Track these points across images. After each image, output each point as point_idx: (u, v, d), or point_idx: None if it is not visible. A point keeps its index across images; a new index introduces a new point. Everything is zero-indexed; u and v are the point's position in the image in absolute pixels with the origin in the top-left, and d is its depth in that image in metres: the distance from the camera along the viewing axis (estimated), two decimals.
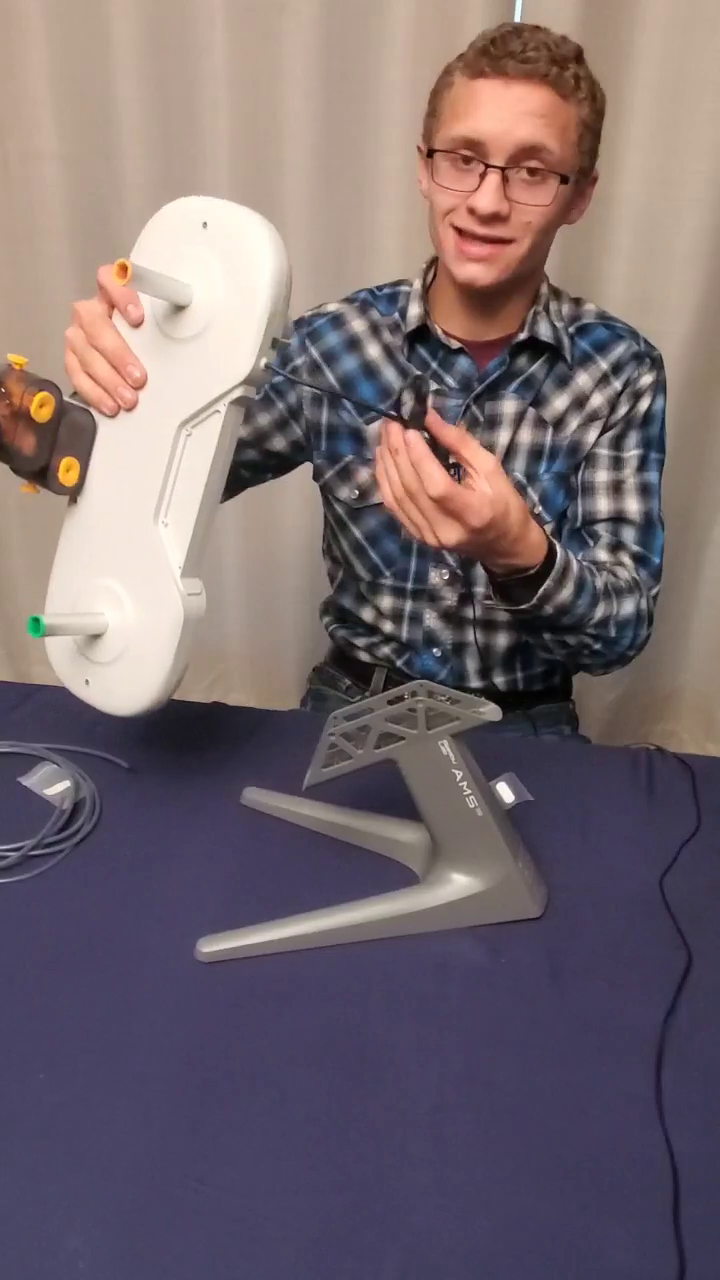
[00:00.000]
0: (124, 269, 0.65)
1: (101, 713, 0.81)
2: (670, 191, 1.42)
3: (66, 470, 0.76)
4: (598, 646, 0.96)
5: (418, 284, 1.03)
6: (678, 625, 1.74)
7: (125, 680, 0.77)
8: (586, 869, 0.80)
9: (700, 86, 1.35)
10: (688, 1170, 0.56)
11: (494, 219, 0.88)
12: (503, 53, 0.84)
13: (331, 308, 1.07)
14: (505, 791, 0.86)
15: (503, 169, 0.86)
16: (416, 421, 0.75)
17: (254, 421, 1.06)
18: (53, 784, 0.84)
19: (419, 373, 1.01)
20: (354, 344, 1.05)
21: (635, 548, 1.02)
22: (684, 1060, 0.63)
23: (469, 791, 0.70)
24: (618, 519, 1.03)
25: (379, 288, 1.08)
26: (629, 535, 1.02)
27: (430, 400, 0.93)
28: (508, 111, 0.85)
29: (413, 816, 0.73)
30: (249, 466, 1.10)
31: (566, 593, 0.88)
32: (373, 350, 1.04)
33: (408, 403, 0.74)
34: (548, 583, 0.85)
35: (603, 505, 1.03)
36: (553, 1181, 0.55)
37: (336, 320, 1.06)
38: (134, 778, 0.87)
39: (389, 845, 0.79)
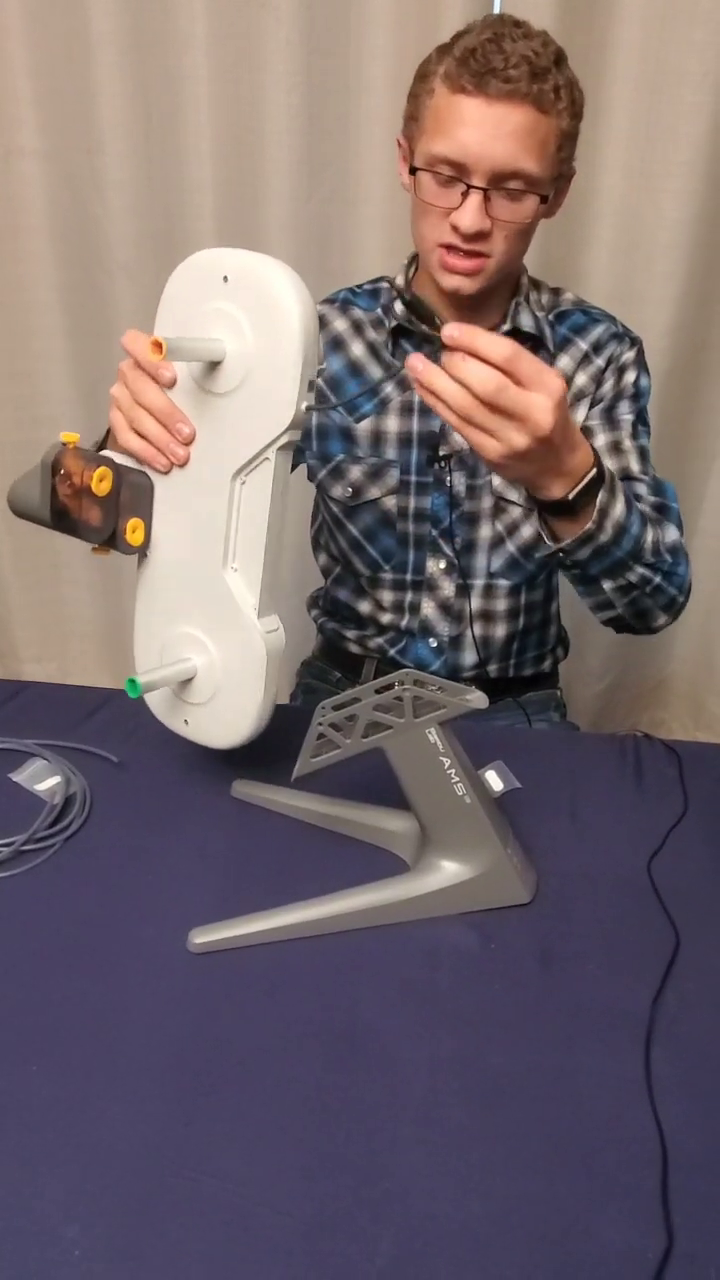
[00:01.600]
0: (159, 346, 0.65)
1: (91, 708, 0.81)
2: (651, 183, 1.42)
3: (133, 531, 0.78)
4: (658, 580, 0.90)
5: (400, 279, 1.04)
6: None
7: (221, 717, 0.78)
8: (575, 854, 0.80)
9: (679, 78, 1.35)
10: (676, 1148, 0.57)
11: (476, 236, 0.89)
12: (484, 68, 0.83)
13: None
14: (494, 779, 0.87)
15: (484, 189, 0.87)
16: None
17: None
18: (43, 779, 0.84)
19: (399, 366, 1.01)
20: (338, 344, 1.06)
21: (652, 498, 0.97)
22: (672, 1040, 0.64)
23: (457, 779, 0.70)
24: (625, 478, 0.99)
25: (359, 286, 1.09)
26: (641, 489, 0.98)
27: (417, 394, 0.92)
28: (489, 133, 0.85)
29: (402, 805, 0.74)
30: None
31: (620, 506, 0.81)
32: (356, 349, 1.05)
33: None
34: (602, 494, 0.79)
35: (606, 463, 0.99)
36: (544, 1162, 0.56)
37: (320, 322, 1.05)
38: (124, 772, 0.87)
39: (379, 834, 0.80)
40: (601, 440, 1.01)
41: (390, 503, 1.06)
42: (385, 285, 1.06)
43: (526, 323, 1.00)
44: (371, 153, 1.43)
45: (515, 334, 1.00)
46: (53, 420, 1.67)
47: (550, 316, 1.04)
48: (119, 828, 0.81)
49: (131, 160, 1.48)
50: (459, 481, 1.04)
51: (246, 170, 1.47)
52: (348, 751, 0.71)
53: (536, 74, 0.84)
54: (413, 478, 1.05)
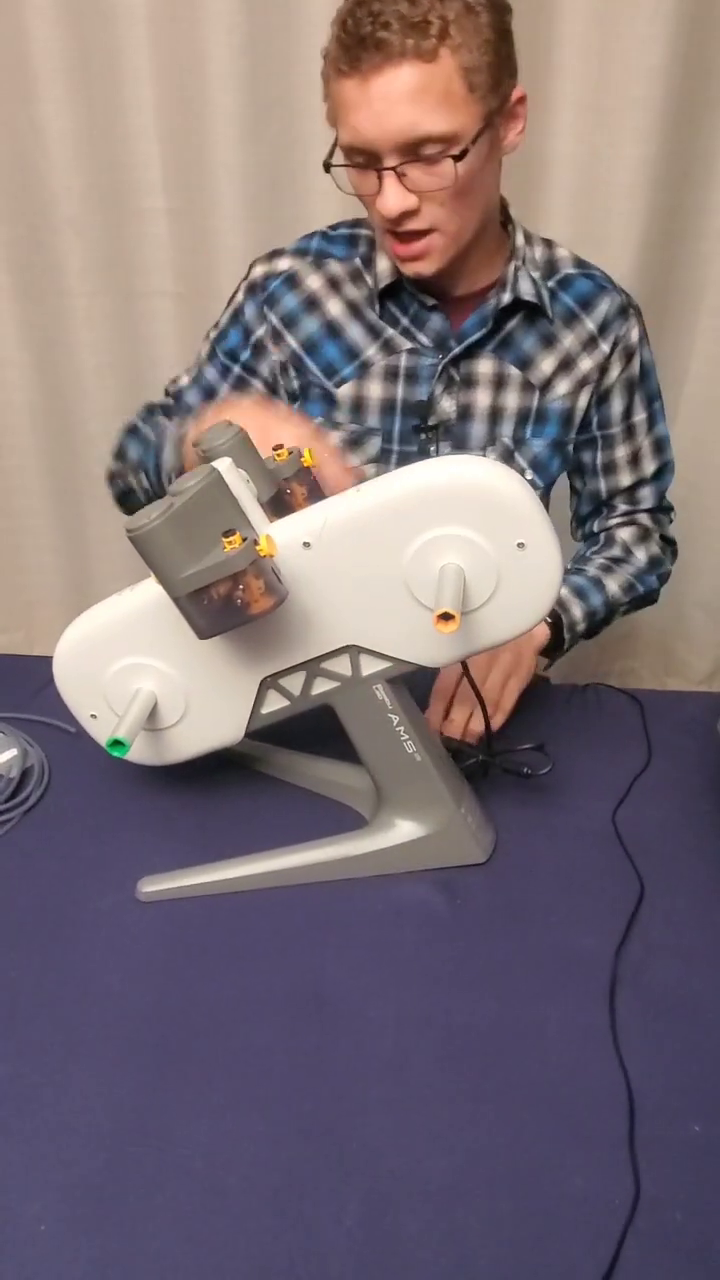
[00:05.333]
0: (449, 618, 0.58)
1: (46, 678, 0.79)
2: (607, 120, 1.38)
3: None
4: (640, 600, 1.04)
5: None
6: None
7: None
8: (539, 807, 0.80)
9: (633, 8, 1.31)
10: (642, 1094, 0.57)
11: (405, 217, 0.83)
12: (355, 40, 0.76)
13: (284, 265, 0.97)
14: None
15: (395, 168, 0.80)
16: None
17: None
18: None
19: (391, 331, 0.96)
20: (312, 304, 0.97)
21: (650, 504, 1.07)
22: (637, 988, 0.64)
23: (406, 737, 0.69)
24: (636, 486, 1.05)
25: (333, 228, 1.00)
26: (646, 495, 1.06)
27: (404, 360, 0.94)
28: (377, 109, 0.78)
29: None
30: None
31: (585, 619, 0.96)
32: (334, 308, 0.97)
33: None
34: (565, 644, 0.95)
35: (625, 479, 1.05)
36: (511, 1115, 0.56)
37: (291, 280, 0.97)
38: (81, 741, 0.84)
39: (342, 790, 0.79)
40: (623, 453, 1.03)
41: (371, 472, 1.01)
42: (365, 233, 0.97)
43: (527, 290, 0.93)
44: (316, 93, 1.38)
45: (516, 304, 0.94)
46: (3, 384, 1.62)
47: (550, 282, 0.97)
48: (77, 798, 0.80)
49: (72, 108, 1.42)
50: (444, 451, 0.99)
51: (189, 112, 1.41)
52: (296, 706, 0.69)
53: (412, 25, 0.75)
54: (395, 447, 1.00)
